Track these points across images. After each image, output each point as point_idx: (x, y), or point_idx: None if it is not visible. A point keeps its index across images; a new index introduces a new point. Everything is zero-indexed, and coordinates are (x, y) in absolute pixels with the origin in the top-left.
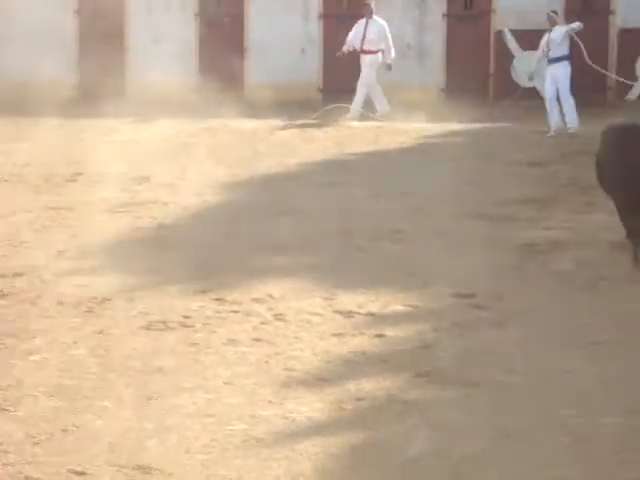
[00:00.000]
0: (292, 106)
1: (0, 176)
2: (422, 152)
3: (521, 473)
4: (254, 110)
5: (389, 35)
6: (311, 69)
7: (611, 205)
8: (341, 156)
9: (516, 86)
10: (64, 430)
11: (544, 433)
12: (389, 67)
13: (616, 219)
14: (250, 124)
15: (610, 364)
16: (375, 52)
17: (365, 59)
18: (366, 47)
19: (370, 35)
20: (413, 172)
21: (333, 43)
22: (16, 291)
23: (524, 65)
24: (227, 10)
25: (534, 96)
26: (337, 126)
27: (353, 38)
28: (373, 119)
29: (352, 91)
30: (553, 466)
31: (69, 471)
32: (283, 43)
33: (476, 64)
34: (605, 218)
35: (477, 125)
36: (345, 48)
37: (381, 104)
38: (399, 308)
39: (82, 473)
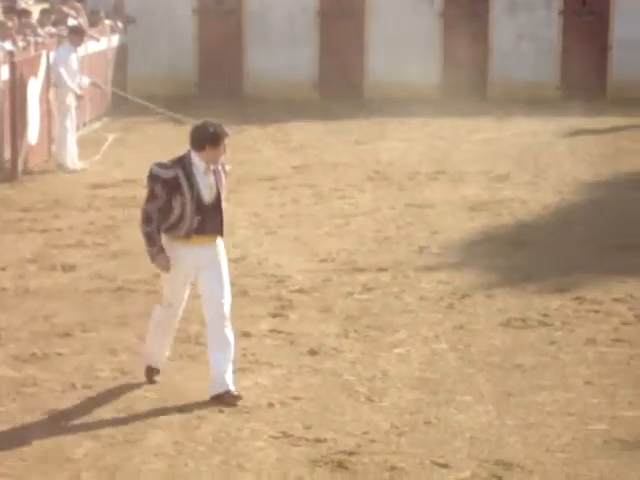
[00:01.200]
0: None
1: (365, 174)
2: None
3: None
4: (616, 108)
5: None
6: None
7: None
8: None
9: None
10: (427, 422)
11: None
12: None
13: None
14: (610, 123)
15: None
16: None
17: None
18: None
19: None
20: None
21: None
22: (381, 285)
23: None
24: (591, 8)
25: None
26: None
27: None
28: None
29: None
30: None
31: (432, 463)
32: None
33: None
34: None
35: None
36: None
37: None
38: None
39: (445, 465)
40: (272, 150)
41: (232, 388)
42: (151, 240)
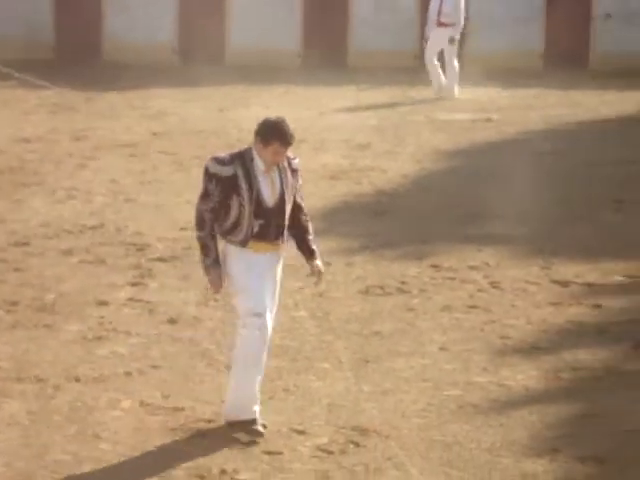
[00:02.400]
0: (509, 74)
1: (227, 141)
2: None
3: None
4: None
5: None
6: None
7: None
8: (560, 125)
9: None
10: (285, 390)
11: None
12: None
13: None
14: (472, 93)
15: None
16: (450, 25)
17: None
18: (442, 20)
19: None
20: (635, 141)
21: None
22: None
23: None
24: None
25: None
26: (559, 95)
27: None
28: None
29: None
30: None
31: (290, 430)
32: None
33: None
34: None
35: None
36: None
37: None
38: (618, 278)
39: (302, 432)
40: (131, 116)
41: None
42: (205, 248)
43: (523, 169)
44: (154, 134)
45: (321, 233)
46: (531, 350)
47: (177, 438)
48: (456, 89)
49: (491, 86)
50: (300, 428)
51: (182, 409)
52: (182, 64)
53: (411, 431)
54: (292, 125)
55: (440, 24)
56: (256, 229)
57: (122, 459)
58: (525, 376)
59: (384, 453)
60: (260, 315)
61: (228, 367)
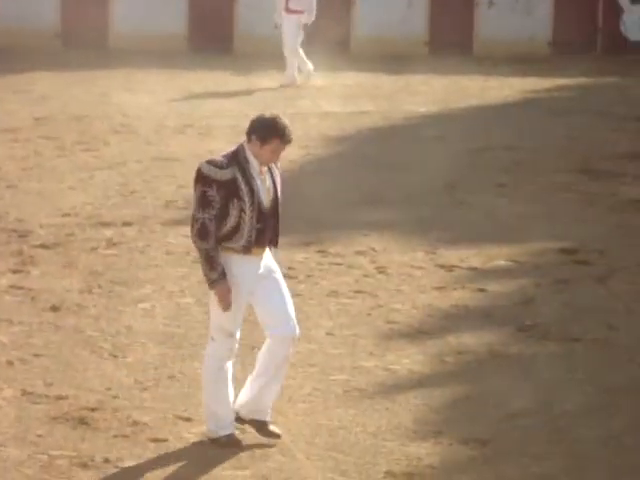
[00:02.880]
0: (395, 61)
1: (111, 127)
2: (528, 106)
3: (623, 427)
4: (360, 64)
5: None
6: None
7: None
8: (446, 110)
9: (625, 40)
10: (171, 377)
11: None
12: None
13: None
14: (354, 78)
15: None
16: (300, 12)
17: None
18: (292, 6)
19: None
20: (517, 126)
21: None
22: (126, 240)
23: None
24: None
25: None
26: (444, 81)
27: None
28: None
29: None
30: None
31: (175, 416)
32: None
33: (584, 17)
34: None
35: (584, 79)
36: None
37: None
38: (501, 263)
39: (188, 419)
40: (13, 101)
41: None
42: (211, 261)
43: (409, 155)
44: (36, 119)
45: None
46: (417, 334)
47: (60, 426)
48: (298, 77)
49: (377, 72)
50: (186, 415)
51: (65, 397)
52: (65, 48)
53: (297, 416)
54: (176, 108)
55: (290, 11)
56: (255, 235)
57: (2, 449)
58: (411, 360)
59: (270, 438)
60: (231, 335)
61: (113, 355)
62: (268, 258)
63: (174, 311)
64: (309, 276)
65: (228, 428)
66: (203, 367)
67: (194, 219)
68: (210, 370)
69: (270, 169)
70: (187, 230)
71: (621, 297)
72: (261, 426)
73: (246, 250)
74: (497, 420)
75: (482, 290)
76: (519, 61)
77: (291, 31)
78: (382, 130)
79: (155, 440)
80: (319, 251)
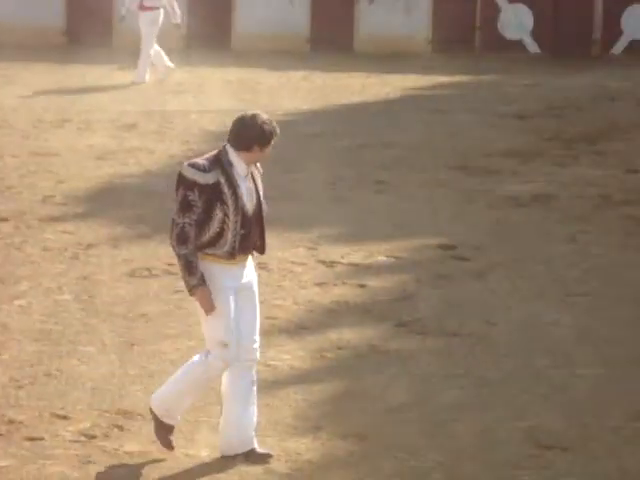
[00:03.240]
0: (276, 57)
1: None
2: (408, 103)
3: (498, 421)
4: (241, 60)
5: None
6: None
7: (594, 159)
8: (327, 106)
9: (502, 38)
10: (47, 374)
11: (521, 383)
12: (177, 27)
13: (598, 173)
14: (236, 74)
15: (588, 316)
16: (155, 8)
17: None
18: (146, 3)
19: None
20: (398, 123)
21: None
22: (2, 236)
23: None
24: None
25: (521, 48)
26: (325, 77)
27: None
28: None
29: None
30: (529, 415)
31: (52, 415)
32: None
33: (463, 16)
34: (588, 172)
35: (463, 77)
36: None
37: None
38: (382, 259)
39: (64, 417)
40: None
41: (256, 446)
42: (190, 267)
43: (289, 151)
44: None
45: (86, 215)
46: (297, 330)
47: None
48: (147, 75)
49: (258, 68)
50: (62, 413)
51: None
52: None
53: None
54: (55, 102)
55: (144, 8)
56: (239, 240)
57: None
58: (291, 356)
59: (149, 436)
60: (227, 346)
61: None
62: (250, 267)
63: (51, 308)
64: None
65: (172, 419)
66: (186, 372)
67: (174, 223)
68: (194, 375)
69: (252, 172)
70: (65, 226)
71: (498, 293)
72: (250, 454)
73: (230, 256)
74: (376, 415)
75: (362, 286)
76: (399, 58)
77: (146, 28)
78: None
79: (30, 439)
80: None
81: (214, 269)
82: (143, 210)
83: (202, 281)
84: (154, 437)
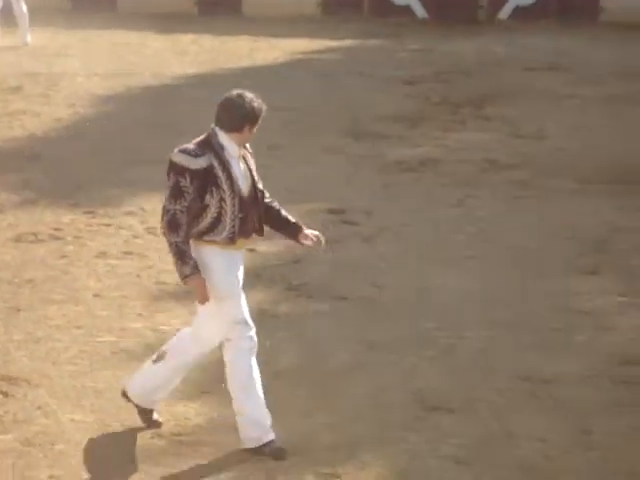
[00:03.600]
0: (164, 20)
1: None
2: (297, 68)
3: (386, 384)
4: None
5: None
6: None
7: (481, 124)
8: (216, 70)
9: (390, 3)
10: None
11: (409, 346)
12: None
13: (484, 138)
14: (122, 37)
15: (474, 279)
16: None
17: None
18: None
19: None
20: (287, 88)
21: None
22: None
23: None
24: None
25: (409, 13)
26: (213, 41)
27: None
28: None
29: None
30: (417, 377)
31: None
32: None
33: None
34: (475, 136)
35: (352, 41)
36: None
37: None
38: None
39: None
40: None
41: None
42: (182, 254)
43: (178, 115)
44: None
45: None
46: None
47: None
48: (28, 36)
49: (145, 31)
50: None
51: None
52: None
53: (62, 379)
54: None
55: None
56: (238, 224)
57: None
58: (180, 321)
59: (34, 402)
60: (246, 322)
61: None
62: (242, 256)
63: None
64: (77, 237)
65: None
66: (232, 373)
67: (165, 210)
68: (243, 371)
69: (244, 155)
70: None
71: (386, 256)
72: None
73: (230, 241)
74: (265, 378)
75: (252, 250)
76: (288, 22)
77: None
78: (151, 90)
79: None
80: (87, 212)
81: (215, 255)
82: (29, 174)
83: (196, 269)
84: (39, 403)
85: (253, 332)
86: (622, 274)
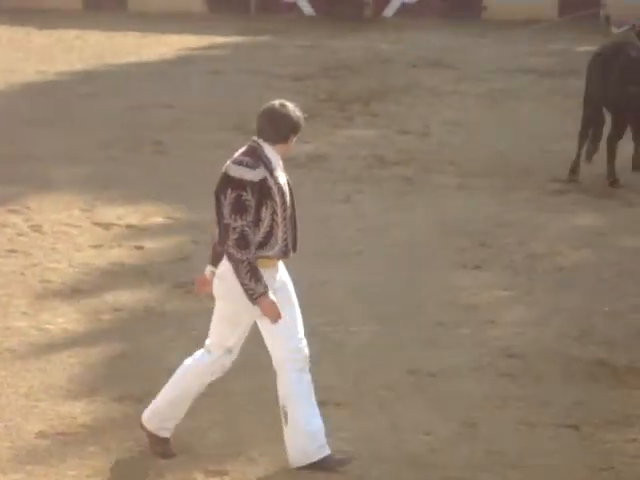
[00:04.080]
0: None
1: None
2: (184, 64)
3: (273, 380)
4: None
5: None
6: None
7: (368, 120)
8: (101, 66)
9: (277, 1)
10: None
11: None
12: None
13: (371, 134)
14: (5, 32)
15: (361, 274)
16: None
17: None
18: None
19: None
20: (174, 84)
21: None
22: None
23: None
24: None
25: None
26: (99, 37)
27: None
28: None
29: None
30: None
31: None
32: None
33: None
34: (362, 133)
35: (239, 38)
36: None
37: None
38: (159, 220)
39: None
40: None
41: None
42: (255, 272)
43: (63, 112)
44: None
45: None
46: (72, 293)
47: None
48: None
49: (28, 26)
50: None
51: None
52: None
53: None
54: None
55: None
56: (290, 236)
57: None
58: (66, 319)
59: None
60: (230, 351)
61: None
62: (282, 268)
63: None
64: None
65: (166, 432)
66: (178, 379)
67: (230, 228)
68: (191, 375)
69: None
70: None
71: None
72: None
73: (284, 255)
74: (152, 376)
75: (139, 248)
76: (175, 18)
77: None
78: (35, 86)
79: None
80: None
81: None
82: None
83: (267, 287)
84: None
85: (229, 362)
86: (506, 269)
